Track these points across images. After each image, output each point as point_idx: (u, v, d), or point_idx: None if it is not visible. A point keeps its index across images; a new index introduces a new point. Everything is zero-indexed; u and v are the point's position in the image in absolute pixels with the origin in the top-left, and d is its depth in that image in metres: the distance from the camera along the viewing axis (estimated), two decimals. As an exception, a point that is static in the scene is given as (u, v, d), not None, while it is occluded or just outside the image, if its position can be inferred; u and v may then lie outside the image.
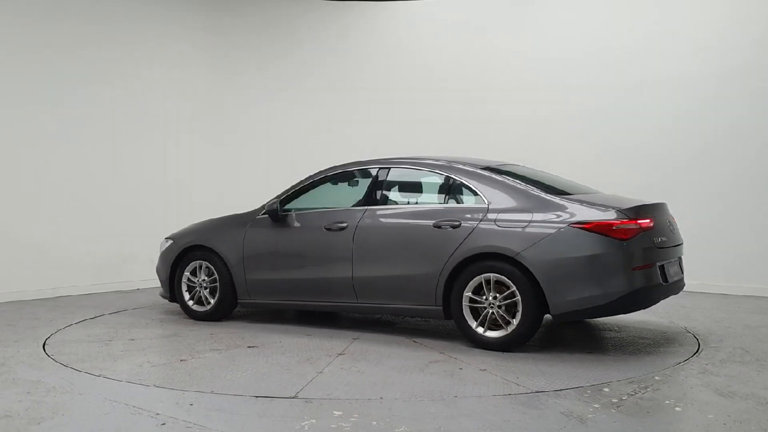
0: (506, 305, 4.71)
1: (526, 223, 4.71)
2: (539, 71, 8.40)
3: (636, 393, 3.79)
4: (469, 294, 4.82)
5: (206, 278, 5.94)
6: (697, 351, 4.79)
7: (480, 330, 4.79)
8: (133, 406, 3.61)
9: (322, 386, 3.97)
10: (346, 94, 9.12)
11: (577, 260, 4.55)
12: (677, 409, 3.55)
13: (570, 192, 5.06)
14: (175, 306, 6.34)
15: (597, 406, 3.57)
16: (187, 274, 6.01)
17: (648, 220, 4.74)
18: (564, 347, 4.90)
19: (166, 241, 6.28)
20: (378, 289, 5.23)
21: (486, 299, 4.77)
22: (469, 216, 4.91)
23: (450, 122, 8.74)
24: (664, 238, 4.87)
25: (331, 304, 5.50)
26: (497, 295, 4.73)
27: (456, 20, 8.82)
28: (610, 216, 4.59)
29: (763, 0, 7.28)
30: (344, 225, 5.35)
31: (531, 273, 4.61)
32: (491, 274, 4.74)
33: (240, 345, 5.09)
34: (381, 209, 5.37)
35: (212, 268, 5.89)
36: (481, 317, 4.79)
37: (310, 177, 5.84)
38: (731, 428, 3.24)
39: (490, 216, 4.84)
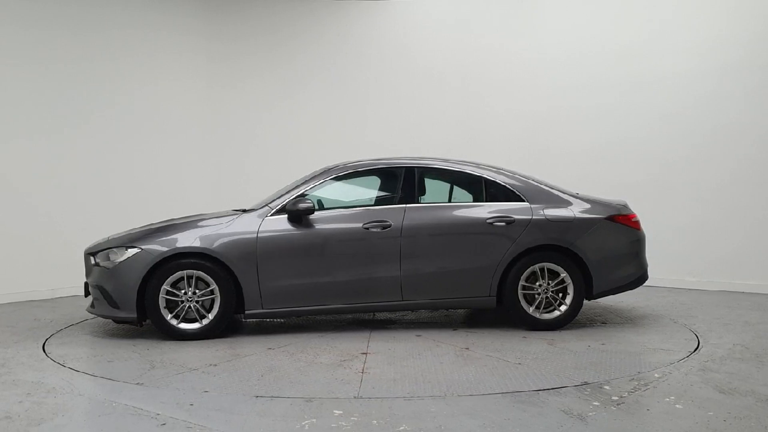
0: (555, 290, 5.39)
1: (572, 218, 5.38)
2: (537, 69, 8.41)
3: (636, 390, 3.80)
4: (523, 282, 5.35)
5: (197, 291, 5.18)
6: (696, 348, 4.80)
7: (536, 314, 5.35)
8: (134, 407, 3.61)
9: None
10: (345, 94, 9.12)
11: (615, 247, 5.47)
12: (678, 406, 3.55)
13: (571, 192, 5.72)
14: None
15: (597, 403, 3.58)
16: (166, 287, 5.14)
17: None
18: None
19: (125, 250, 5.20)
20: (428, 285, 5.33)
21: (540, 286, 5.36)
22: (518, 213, 5.39)
23: (449, 120, 8.75)
24: None
25: (371, 304, 5.35)
26: (550, 281, 5.34)
27: (455, 19, 8.81)
28: (623, 211, 5.55)
29: (760, -3, 7.30)
30: (388, 223, 5.32)
31: (580, 260, 5.35)
32: (545, 263, 5.34)
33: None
34: (423, 207, 5.42)
35: (207, 277, 5.16)
36: (537, 302, 5.37)
37: (323, 175, 5.55)
38: (732, 425, 3.24)
39: (537, 213, 5.37)
